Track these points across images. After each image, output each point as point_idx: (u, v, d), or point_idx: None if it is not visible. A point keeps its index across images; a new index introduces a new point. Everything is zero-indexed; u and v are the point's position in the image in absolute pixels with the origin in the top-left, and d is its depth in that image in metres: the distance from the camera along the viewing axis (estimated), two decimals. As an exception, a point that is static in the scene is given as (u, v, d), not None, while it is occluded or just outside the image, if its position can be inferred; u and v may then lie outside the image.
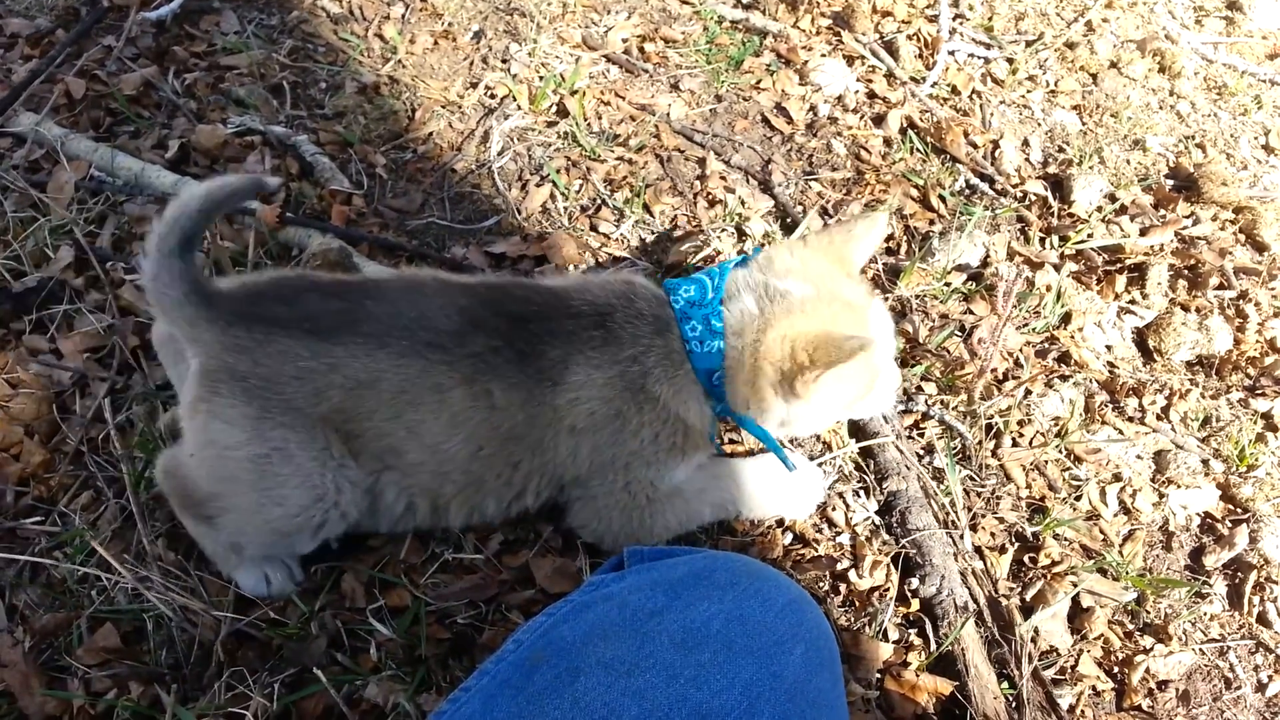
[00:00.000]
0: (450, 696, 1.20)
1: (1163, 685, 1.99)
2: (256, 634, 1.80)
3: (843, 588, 2.01)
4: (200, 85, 3.05)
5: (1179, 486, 2.35)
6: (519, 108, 3.13)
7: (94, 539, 1.88)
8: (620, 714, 1.05)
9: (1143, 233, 2.99)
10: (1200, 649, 2.07)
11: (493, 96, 3.18)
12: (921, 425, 2.34)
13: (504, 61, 3.31)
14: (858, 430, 2.29)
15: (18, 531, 1.98)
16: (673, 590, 1.24)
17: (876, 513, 2.17)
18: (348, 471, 1.75)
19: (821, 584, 2.02)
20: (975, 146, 3.23)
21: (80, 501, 2.01)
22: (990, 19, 3.91)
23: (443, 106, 3.11)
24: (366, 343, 1.71)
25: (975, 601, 1.99)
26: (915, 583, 2.02)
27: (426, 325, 1.74)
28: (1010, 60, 3.70)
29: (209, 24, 3.31)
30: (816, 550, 2.08)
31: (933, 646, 1.94)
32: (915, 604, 2.01)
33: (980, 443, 2.30)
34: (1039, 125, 3.46)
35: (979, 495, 2.24)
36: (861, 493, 2.21)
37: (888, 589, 2.02)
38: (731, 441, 2.25)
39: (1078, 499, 2.28)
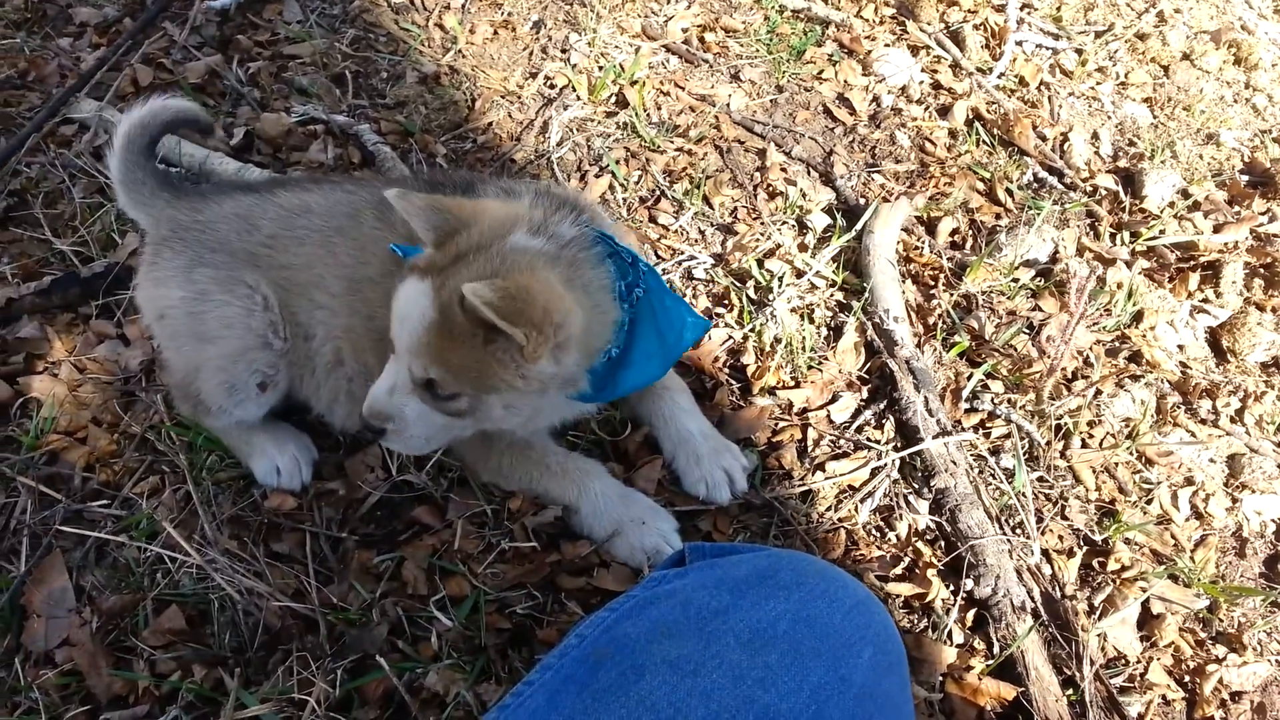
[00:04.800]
0: (513, 690, 1.19)
1: (1236, 696, 1.93)
2: (320, 620, 1.80)
3: (902, 589, 1.97)
4: (264, 74, 3.07)
5: (1253, 491, 2.28)
6: (578, 98, 3.11)
7: (164, 520, 1.90)
8: (687, 714, 1.03)
9: (1216, 229, 2.91)
10: (1276, 660, 2.00)
11: (552, 86, 3.17)
12: (988, 424, 2.29)
13: (563, 51, 3.30)
14: (903, 428, 2.25)
15: (84, 514, 2.01)
16: (737, 589, 1.22)
17: (929, 512, 2.12)
18: (273, 315, 1.96)
19: (881, 585, 1.98)
20: (1044, 139, 3.16)
21: (146, 486, 2.04)
22: (1059, 9, 3.82)
23: (502, 96, 3.11)
24: (300, 185, 2.07)
25: (1032, 600, 1.94)
26: (970, 584, 1.97)
27: (362, 183, 2.05)
28: (1079, 51, 3.62)
29: (272, 13, 3.34)
30: (875, 551, 2.04)
31: (995, 649, 1.90)
32: (972, 605, 1.97)
33: (1049, 443, 2.25)
34: (1109, 118, 3.38)
35: (1047, 497, 2.18)
36: (913, 493, 2.16)
37: (944, 593, 1.98)
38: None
39: (1148, 503, 2.22)
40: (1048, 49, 3.62)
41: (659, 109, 3.12)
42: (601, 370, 1.78)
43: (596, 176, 2.83)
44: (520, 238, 1.65)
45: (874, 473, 2.16)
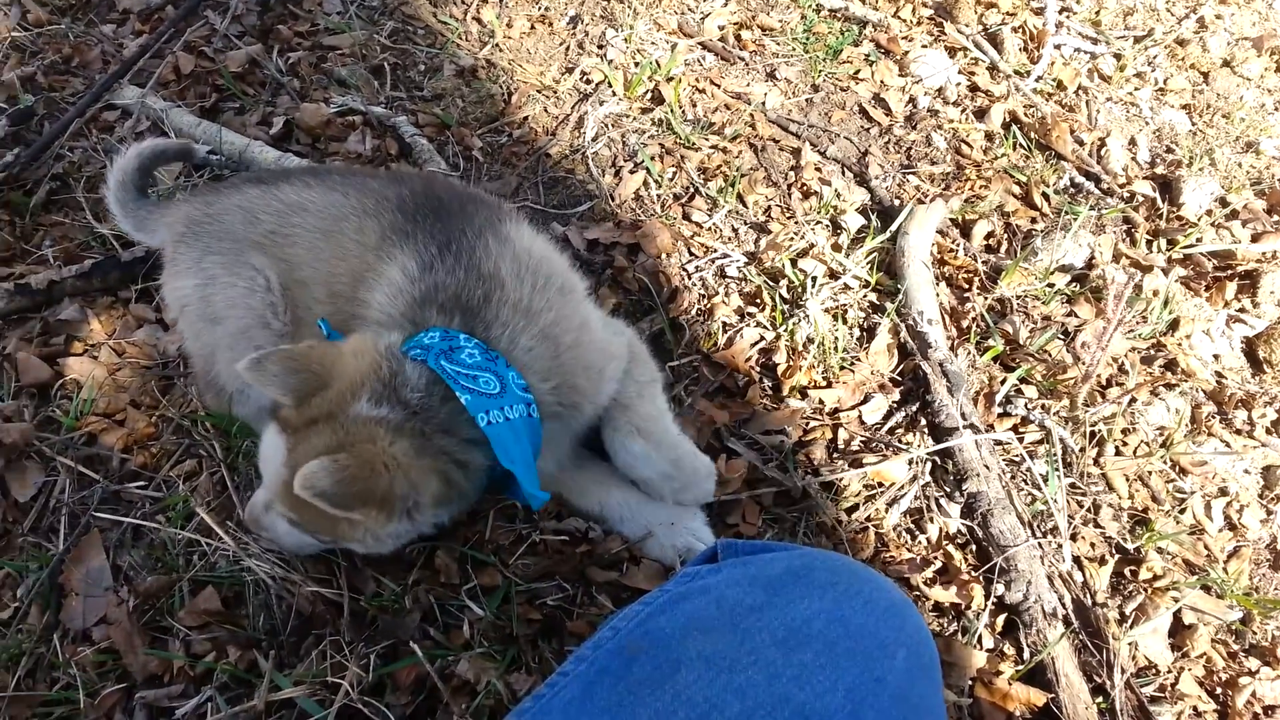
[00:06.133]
0: (548, 680, 1.19)
1: (1270, 710, 1.92)
2: (350, 605, 1.82)
3: (931, 593, 1.97)
4: (303, 64, 3.10)
5: (1288, 504, 2.26)
6: (614, 94, 3.12)
7: (198, 505, 1.92)
8: (723, 709, 1.03)
9: (1254, 239, 2.88)
10: (1310, 674, 1.98)
11: (588, 82, 3.18)
12: (1021, 429, 2.28)
13: (600, 47, 3.30)
14: (935, 430, 2.24)
15: (122, 495, 2.04)
16: (771, 587, 1.22)
17: (960, 515, 2.12)
18: (273, 297, 1.98)
19: (912, 589, 1.97)
20: (1081, 144, 3.14)
21: (183, 469, 2.06)
22: (1098, 13, 3.80)
23: (538, 91, 3.12)
24: (303, 180, 2.06)
25: (1064, 606, 1.94)
26: (1001, 588, 1.97)
27: (359, 184, 2.02)
28: (1118, 56, 3.59)
29: (312, 3, 3.36)
30: (905, 553, 2.04)
31: (1025, 654, 1.89)
32: (1002, 610, 1.96)
33: (1083, 450, 2.24)
34: (1146, 124, 3.35)
35: (1079, 504, 2.17)
36: (945, 496, 2.15)
37: (973, 595, 1.97)
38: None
39: (1181, 512, 2.20)
40: (1086, 53, 3.59)
41: (694, 106, 3.12)
42: (496, 480, 1.75)
43: (631, 172, 2.84)
44: (363, 407, 1.59)
45: (905, 474, 2.16)
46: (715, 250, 2.63)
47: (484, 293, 1.77)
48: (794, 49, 3.43)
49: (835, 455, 2.19)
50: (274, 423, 1.65)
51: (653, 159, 2.88)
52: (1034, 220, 2.85)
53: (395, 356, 1.65)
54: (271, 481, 1.66)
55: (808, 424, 2.24)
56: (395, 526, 1.64)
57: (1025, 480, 2.18)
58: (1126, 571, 2.08)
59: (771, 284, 2.53)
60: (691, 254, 2.62)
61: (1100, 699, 1.83)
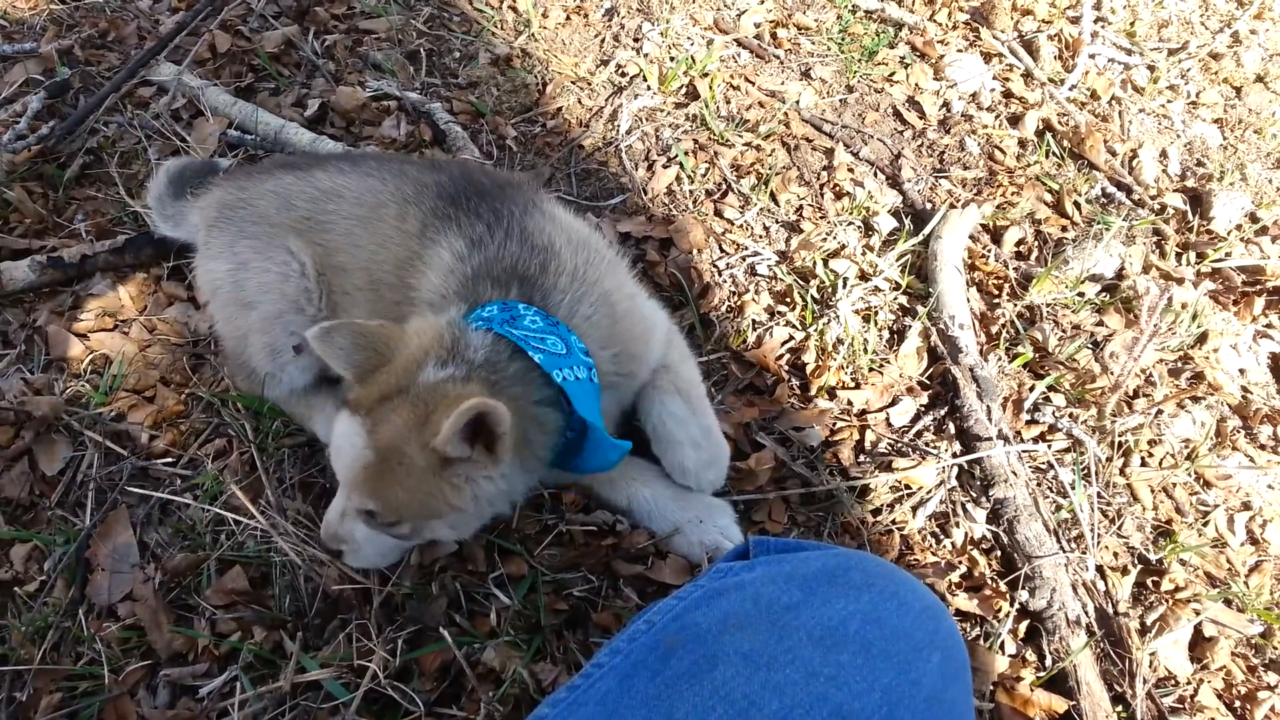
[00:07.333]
0: (583, 671, 1.19)
1: (1288, 725, 1.92)
2: (378, 589, 1.83)
3: (955, 598, 1.97)
4: (339, 47, 3.11)
5: (1312, 521, 2.26)
6: (649, 87, 3.12)
7: (231, 482, 1.93)
8: (761, 706, 1.03)
9: (1285, 255, 2.87)
10: (1330, 691, 1.98)
11: (623, 75, 3.18)
12: (1048, 437, 2.28)
13: (635, 40, 3.30)
14: (963, 435, 2.24)
15: (150, 471, 2.05)
16: (807, 585, 1.22)
17: (986, 521, 2.12)
18: (308, 283, 2.01)
19: (936, 593, 1.97)
20: (1113, 154, 3.13)
21: (212, 448, 2.07)
22: (1133, 24, 3.78)
23: (573, 82, 3.12)
24: (338, 167, 2.08)
25: (1086, 615, 1.94)
26: (1025, 595, 1.97)
27: (396, 170, 2.04)
28: (1151, 68, 3.57)
29: (348, -14, 3.37)
30: (930, 556, 2.04)
31: (1047, 661, 1.89)
32: (1025, 616, 1.96)
33: (1109, 459, 2.23)
34: (1178, 136, 3.34)
35: (1103, 513, 2.17)
36: (971, 501, 2.15)
37: (998, 602, 1.97)
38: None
39: (1204, 525, 2.20)
40: (1120, 64, 3.58)
41: (728, 103, 3.12)
42: (562, 449, 1.76)
43: (665, 167, 2.84)
44: (430, 373, 1.61)
45: (933, 478, 2.16)
46: (746, 248, 2.63)
47: (540, 262, 1.80)
48: (829, 49, 3.42)
49: (862, 456, 2.19)
50: (344, 410, 1.64)
51: (686, 154, 2.88)
52: (1065, 229, 2.84)
53: (458, 325, 1.67)
54: (347, 472, 1.64)
55: (835, 424, 2.24)
56: (490, 487, 1.65)
57: (1050, 488, 2.18)
58: (1149, 582, 2.08)
59: (802, 283, 2.53)
60: (723, 250, 2.62)
61: (1120, 708, 1.83)
